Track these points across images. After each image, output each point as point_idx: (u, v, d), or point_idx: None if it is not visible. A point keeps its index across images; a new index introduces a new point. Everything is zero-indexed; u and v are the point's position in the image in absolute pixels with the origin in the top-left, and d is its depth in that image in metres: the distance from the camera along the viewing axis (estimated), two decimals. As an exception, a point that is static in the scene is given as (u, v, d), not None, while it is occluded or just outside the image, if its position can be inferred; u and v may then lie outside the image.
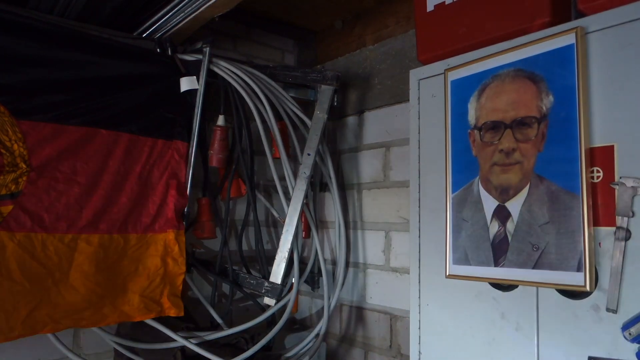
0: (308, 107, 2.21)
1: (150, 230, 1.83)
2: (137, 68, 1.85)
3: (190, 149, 1.93)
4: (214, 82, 1.99)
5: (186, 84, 1.92)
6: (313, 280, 2.25)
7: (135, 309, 1.76)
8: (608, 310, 1.19)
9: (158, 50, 1.93)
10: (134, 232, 1.79)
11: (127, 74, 1.82)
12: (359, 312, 2.20)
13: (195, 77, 1.93)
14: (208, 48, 1.92)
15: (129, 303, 1.76)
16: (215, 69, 1.97)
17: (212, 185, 2.10)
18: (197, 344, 1.81)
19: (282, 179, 2.07)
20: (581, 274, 1.20)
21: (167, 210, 1.86)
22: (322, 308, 2.09)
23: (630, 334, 1.15)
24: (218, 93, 2.01)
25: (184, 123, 1.94)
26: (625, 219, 1.16)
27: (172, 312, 1.82)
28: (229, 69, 1.98)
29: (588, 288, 1.20)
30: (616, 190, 1.18)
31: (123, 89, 1.80)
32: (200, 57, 1.94)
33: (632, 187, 1.15)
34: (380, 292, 2.11)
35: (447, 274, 1.51)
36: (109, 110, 1.76)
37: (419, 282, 1.64)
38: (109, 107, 1.76)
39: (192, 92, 1.93)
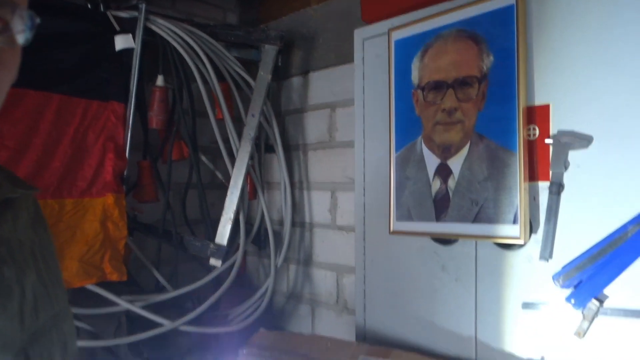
0: (252, 67, 2.17)
1: (87, 195, 1.76)
2: (67, 26, 1.73)
3: (128, 111, 1.85)
4: (151, 41, 1.90)
5: (121, 42, 1.82)
6: (260, 240, 2.25)
7: (74, 275, 1.71)
8: (541, 259, 1.27)
9: (89, 6, 1.82)
10: (70, 197, 1.72)
11: (56, 32, 1.70)
12: (305, 270, 2.23)
13: (130, 35, 1.83)
14: (144, 5, 1.83)
15: (67, 270, 1.70)
16: (153, 27, 1.88)
17: (152, 147, 2.03)
18: (143, 307, 1.79)
19: (226, 140, 2.03)
20: (517, 227, 1.27)
21: (104, 174, 1.79)
22: (270, 267, 2.12)
23: (560, 280, 1.23)
24: (157, 52, 1.92)
25: (120, 83, 1.84)
26: (559, 173, 1.23)
27: (115, 277, 1.78)
28: (167, 27, 1.89)
29: (522, 240, 1.27)
30: (550, 147, 1.25)
31: (53, 48, 1.68)
32: (136, 14, 1.84)
33: (565, 142, 1.21)
34: (326, 250, 2.15)
35: (391, 230, 1.56)
36: (38, 70, 1.65)
37: (364, 239, 1.69)
38: (37, 67, 1.64)
39: (128, 52, 1.84)
